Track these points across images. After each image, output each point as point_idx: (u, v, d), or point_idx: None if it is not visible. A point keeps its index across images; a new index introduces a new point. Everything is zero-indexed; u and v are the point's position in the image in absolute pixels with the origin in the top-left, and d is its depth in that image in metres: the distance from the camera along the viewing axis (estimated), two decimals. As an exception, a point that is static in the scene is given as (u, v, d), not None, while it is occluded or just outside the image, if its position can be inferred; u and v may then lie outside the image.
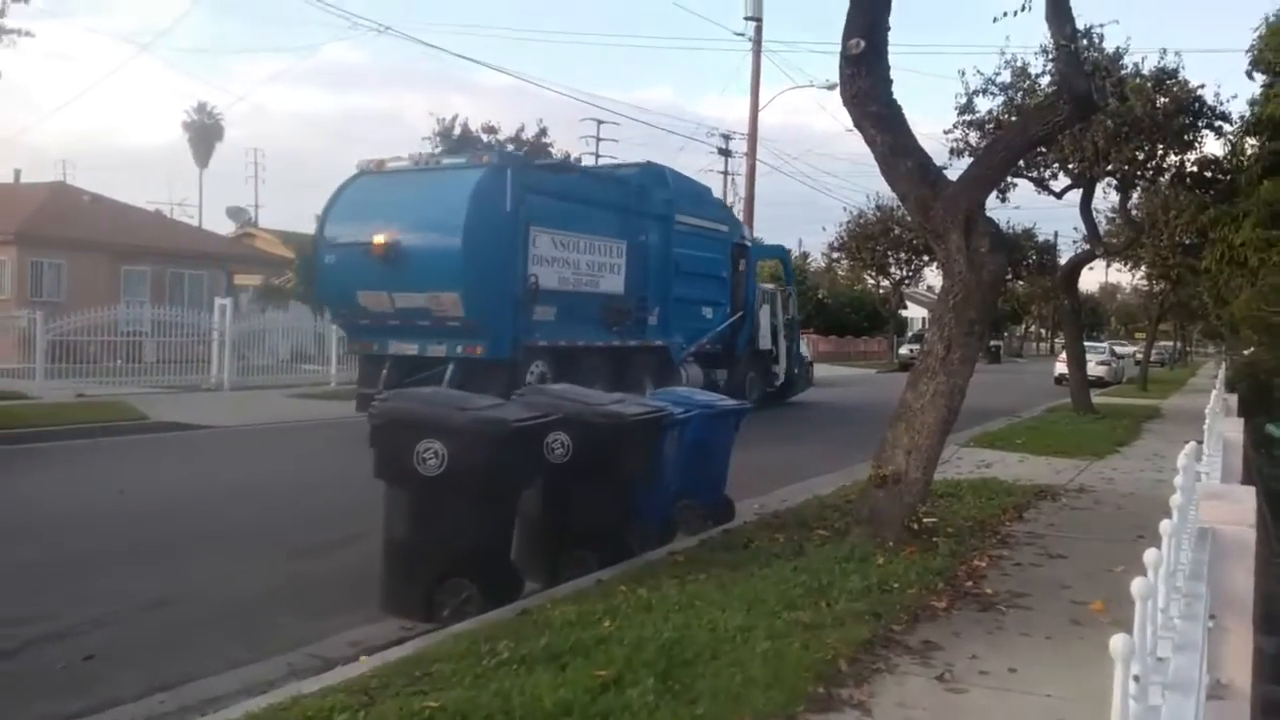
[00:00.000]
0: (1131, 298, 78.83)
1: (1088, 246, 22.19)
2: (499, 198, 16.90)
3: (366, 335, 17.66)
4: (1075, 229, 29.60)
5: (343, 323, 18.23)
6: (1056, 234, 60.06)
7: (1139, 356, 46.58)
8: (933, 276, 60.24)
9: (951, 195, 7.61)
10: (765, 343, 23.79)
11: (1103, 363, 36.38)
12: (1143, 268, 31.81)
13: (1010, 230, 39.09)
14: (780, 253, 26.99)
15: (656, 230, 20.08)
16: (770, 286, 24.58)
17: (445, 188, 16.86)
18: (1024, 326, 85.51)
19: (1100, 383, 33.16)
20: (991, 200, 10.43)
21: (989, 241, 7.61)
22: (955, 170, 14.25)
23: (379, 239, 16.79)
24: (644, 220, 19.79)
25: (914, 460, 7.52)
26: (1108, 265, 38.10)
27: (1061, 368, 32.50)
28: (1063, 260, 29.94)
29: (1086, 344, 28.72)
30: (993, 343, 59.36)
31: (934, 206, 7.59)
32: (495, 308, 16.83)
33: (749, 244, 23.49)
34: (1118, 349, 48.44)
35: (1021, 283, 52.17)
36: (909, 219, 13.20)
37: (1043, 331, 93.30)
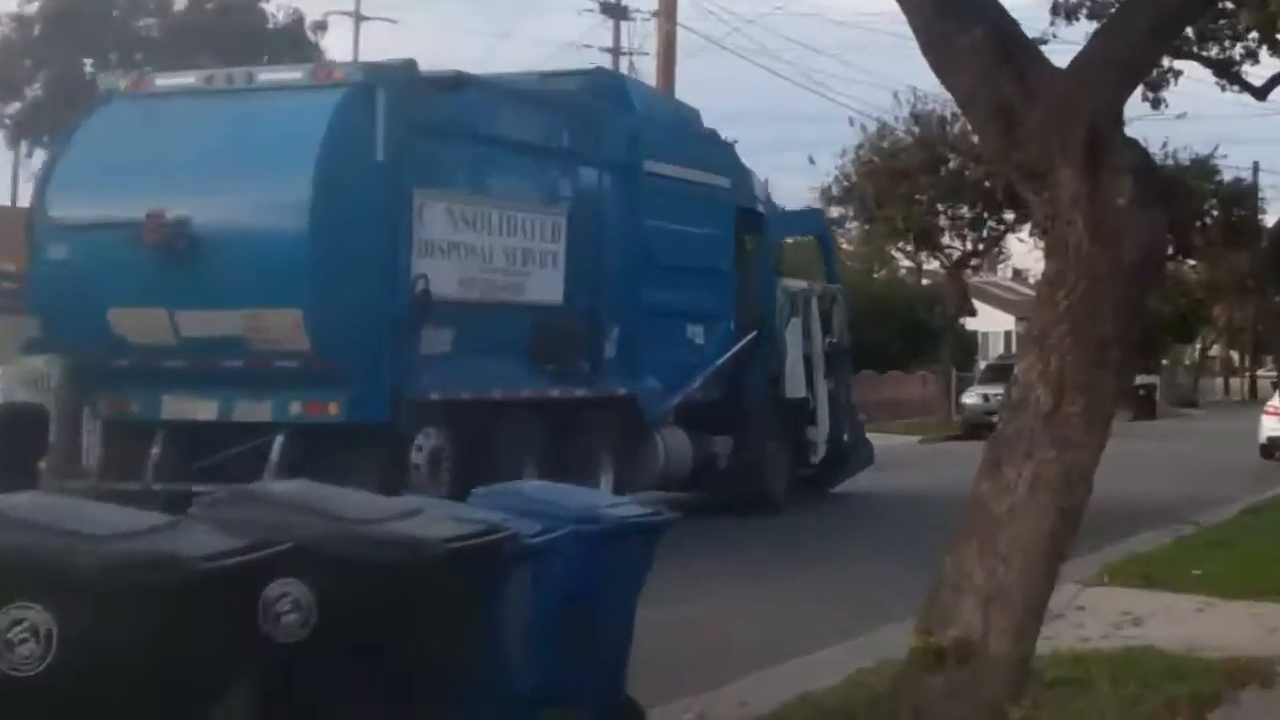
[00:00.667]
0: None
1: None
2: (366, 141, 12.63)
3: (119, 386, 13.22)
4: None
5: (74, 361, 13.39)
6: (1257, 166, 43.81)
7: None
8: (1024, 254, 44.23)
9: (1061, 96, 6.22)
10: (796, 386, 17.86)
11: None
12: None
13: (1171, 161, 31.55)
14: (814, 223, 21.53)
15: (615, 188, 15.34)
16: (801, 285, 18.72)
17: (274, 125, 12.77)
18: (1200, 347, 73.29)
19: None
20: (1134, 107, 7.51)
21: (1133, 185, 6.18)
22: (1064, 50, 9.64)
23: (153, 215, 12.49)
24: (594, 171, 15.21)
25: (998, 616, 6.22)
26: None
27: (1271, 426, 26.27)
28: (1270, 218, 26.11)
29: None
30: (1142, 381, 43.19)
31: (1026, 117, 6.22)
32: (362, 334, 12.62)
33: (764, 210, 18.13)
34: None
35: (1195, 263, 44.53)
36: (977, 143, 11.31)
37: (1236, 356, 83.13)
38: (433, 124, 13.09)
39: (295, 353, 12.42)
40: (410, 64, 13.45)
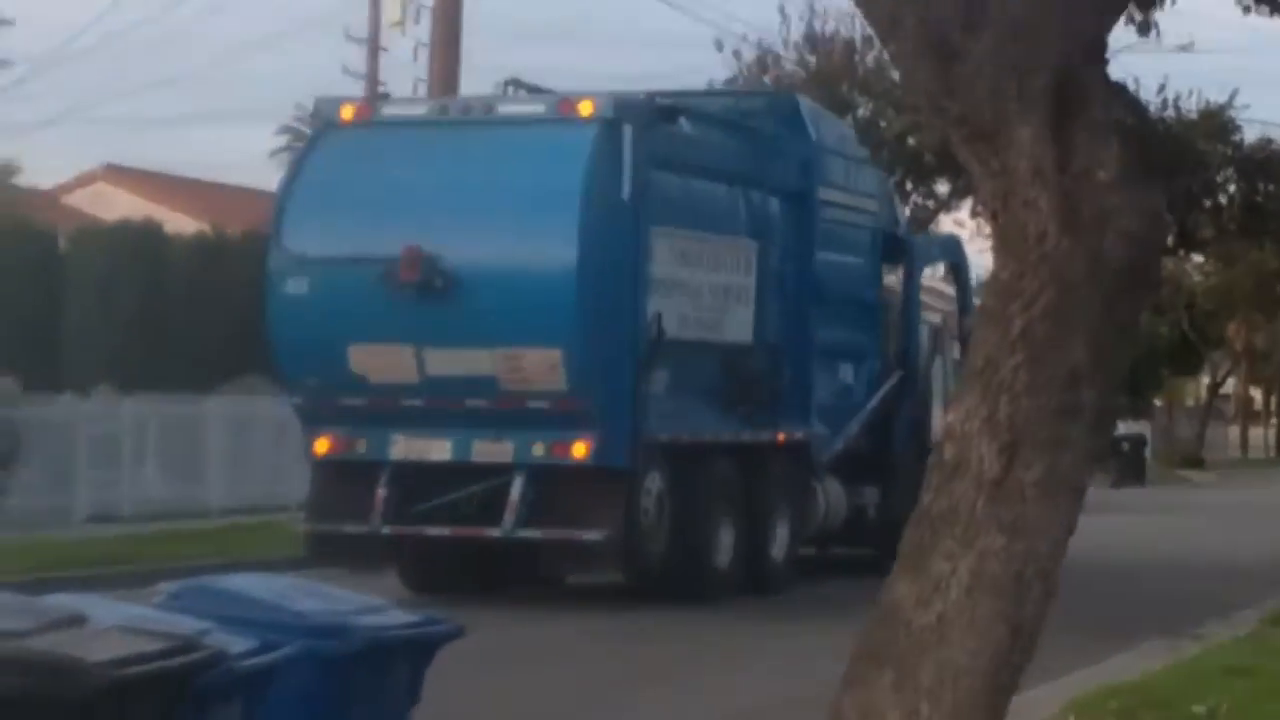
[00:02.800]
0: None
1: None
2: (616, 179, 17.50)
3: (346, 425, 18.16)
4: None
5: (307, 399, 18.54)
6: None
7: None
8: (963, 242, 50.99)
9: (1018, 20, 6.46)
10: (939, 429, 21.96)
11: None
12: None
13: (1173, 114, 33.53)
14: (953, 250, 26.72)
15: (792, 217, 20.63)
16: (936, 319, 24.76)
17: (527, 161, 17.64)
18: (1208, 381, 78.02)
19: None
20: (1118, 35, 9.06)
21: (1120, 150, 6.45)
22: None
23: (410, 251, 17.37)
24: (775, 200, 20.54)
25: None
26: None
27: None
28: None
29: None
30: (1127, 431, 48.72)
31: (969, 49, 6.45)
32: (613, 375, 17.51)
33: (904, 235, 23.92)
34: None
35: (1203, 260, 48.28)
36: (899, 83, 12.96)
37: (1259, 395, 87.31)
38: (660, 157, 18.16)
39: (550, 392, 17.16)
40: (651, 98, 18.79)
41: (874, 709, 6.32)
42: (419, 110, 19.56)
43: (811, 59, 36.84)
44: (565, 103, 18.34)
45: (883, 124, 36.02)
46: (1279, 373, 74.66)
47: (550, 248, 17.32)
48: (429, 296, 17.34)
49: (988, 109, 6.39)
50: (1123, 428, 47.39)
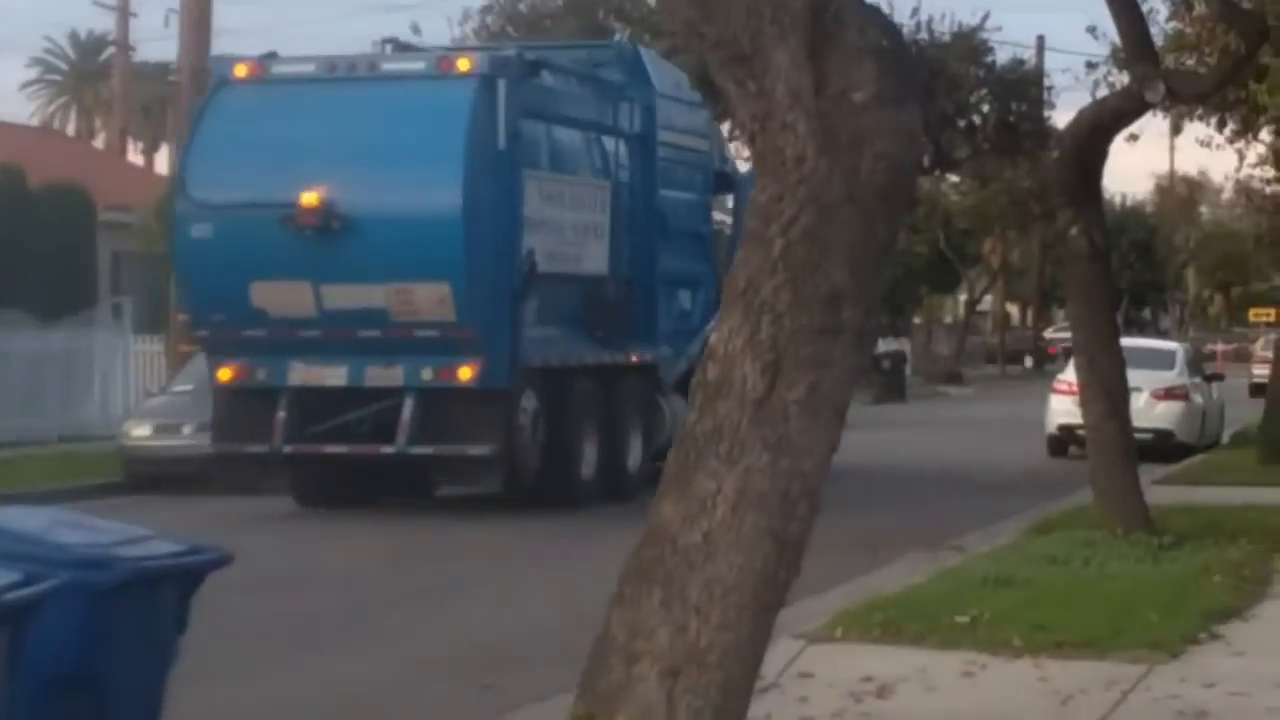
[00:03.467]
0: (1240, 214, 77.74)
1: (1122, 78, 20.73)
2: (492, 129, 19.65)
3: (248, 355, 20.17)
4: (1090, 36, 26.54)
5: (211, 333, 20.74)
6: (1042, 42, 52.21)
7: (1256, 373, 45.46)
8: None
9: None
10: None
11: (1173, 391, 31.89)
12: (1267, 133, 28.90)
13: (926, 36, 35.09)
14: None
15: (637, 159, 22.81)
16: None
17: (414, 114, 19.77)
18: (965, 298, 79.97)
19: (1160, 443, 30.09)
20: None
21: (876, 71, 6.59)
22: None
23: (309, 197, 19.33)
24: (623, 144, 22.67)
25: (689, 691, 6.55)
26: (1175, 129, 33.58)
27: (1064, 409, 28.85)
28: (1060, 117, 28.35)
29: (1132, 342, 25.52)
30: (886, 349, 50.00)
31: None
32: (493, 304, 19.58)
33: (733, 170, 25.59)
34: (1203, 351, 46.15)
35: (958, 180, 49.02)
36: (654, 6, 13.93)
37: (1015, 311, 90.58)
38: (528, 108, 20.22)
39: (439, 323, 19.28)
40: (520, 54, 21.16)
41: (643, 627, 6.37)
42: (308, 68, 21.10)
43: None
44: (445, 60, 20.58)
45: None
46: (1036, 288, 76.04)
47: (438, 193, 19.38)
48: (326, 237, 19.34)
49: (744, 33, 6.39)
50: (883, 346, 48.09)
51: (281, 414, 19.83)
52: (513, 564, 17.22)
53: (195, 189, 20.27)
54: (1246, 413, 35.32)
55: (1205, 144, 31.19)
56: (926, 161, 37.26)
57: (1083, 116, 19.25)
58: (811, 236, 6.47)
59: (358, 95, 20.29)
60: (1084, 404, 18.58)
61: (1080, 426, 20.79)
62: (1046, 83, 40.68)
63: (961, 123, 36.68)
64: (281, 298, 19.78)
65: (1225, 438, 34.05)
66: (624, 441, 22.03)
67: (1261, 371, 47.41)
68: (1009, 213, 55.99)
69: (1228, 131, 29.42)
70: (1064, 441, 30.17)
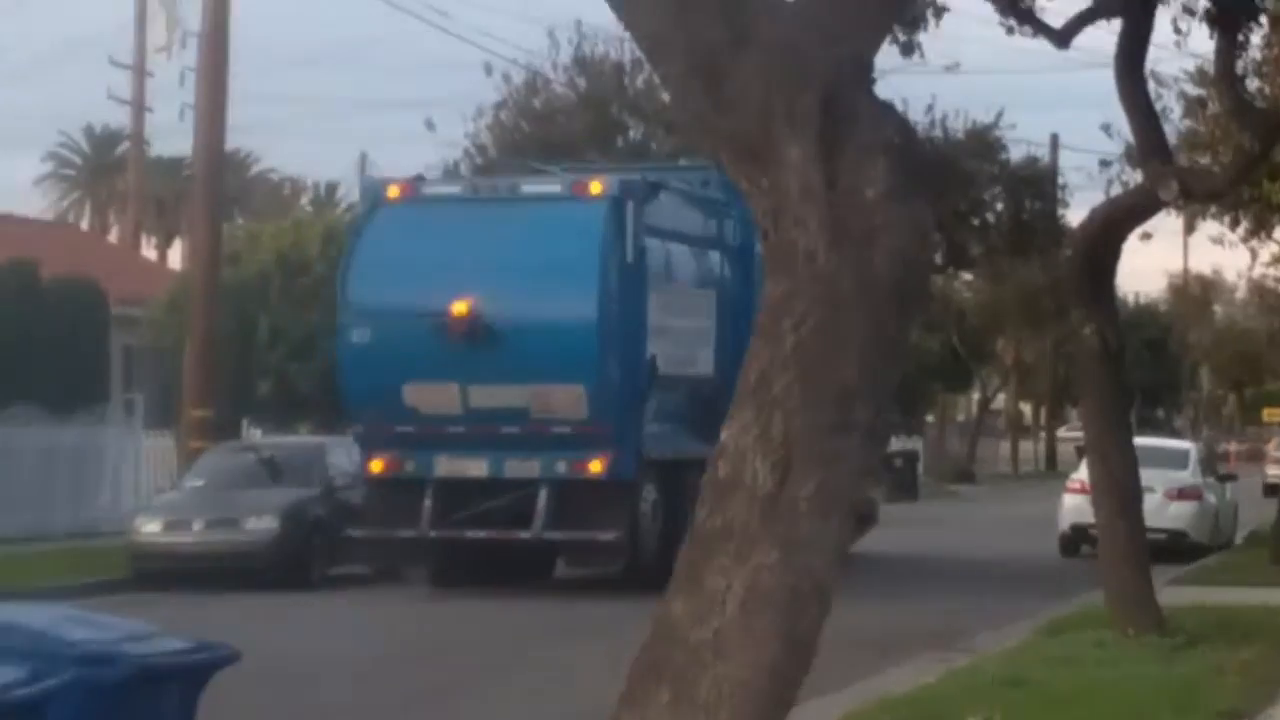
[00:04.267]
0: (1253, 313, 77.10)
1: (1136, 176, 20.97)
2: (621, 246, 22.05)
3: (396, 448, 22.71)
4: (1104, 134, 27.61)
5: (366, 427, 23.34)
6: (1056, 140, 51.12)
7: (1270, 474, 46.14)
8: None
9: (785, 39, 6.48)
10: None
11: (1187, 491, 31.72)
12: (1278, 229, 30.00)
13: (940, 133, 35.12)
14: None
15: (736, 268, 24.94)
16: None
17: (552, 232, 22.25)
18: (978, 397, 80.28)
19: (1174, 543, 30.18)
20: (884, 57, 7.89)
21: (888, 168, 6.49)
22: None
23: (459, 307, 21.85)
24: (726, 255, 25.11)
25: None
26: (1189, 227, 34.18)
27: (1076, 508, 28.88)
28: (1074, 215, 28.68)
29: (1145, 441, 26.07)
30: (899, 447, 49.56)
31: (737, 69, 6.45)
32: (622, 404, 21.99)
33: None
34: (1216, 450, 46.35)
35: (971, 277, 49.05)
36: (668, 103, 16.09)
37: (1028, 410, 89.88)
38: (651, 226, 22.61)
39: (573, 420, 21.72)
40: (644, 178, 23.51)
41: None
42: (455, 189, 24.82)
43: (581, 81, 36.90)
44: (578, 184, 23.14)
45: (653, 145, 36.30)
46: (1049, 387, 75.83)
47: (575, 304, 21.85)
48: (473, 343, 21.82)
49: (756, 128, 6.35)
50: (895, 444, 47.93)
51: (428, 502, 22.23)
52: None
53: (355, 297, 22.93)
54: (1260, 513, 35.26)
55: (1218, 241, 31.30)
56: (940, 259, 37.33)
57: (1096, 214, 19.30)
58: (823, 333, 6.42)
59: (501, 214, 22.88)
60: (1096, 503, 18.53)
61: (1093, 525, 20.74)
62: (1060, 180, 40.84)
63: (975, 220, 36.69)
64: (431, 397, 22.23)
65: (1239, 538, 33.94)
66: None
67: (1275, 471, 47.67)
68: (1022, 311, 55.98)
69: (1241, 230, 29.51)
70: (1076, 541, 30.10)
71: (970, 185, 35.42)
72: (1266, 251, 32.61)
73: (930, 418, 74.79)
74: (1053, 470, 69.07)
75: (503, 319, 21.92)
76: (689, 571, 6.46)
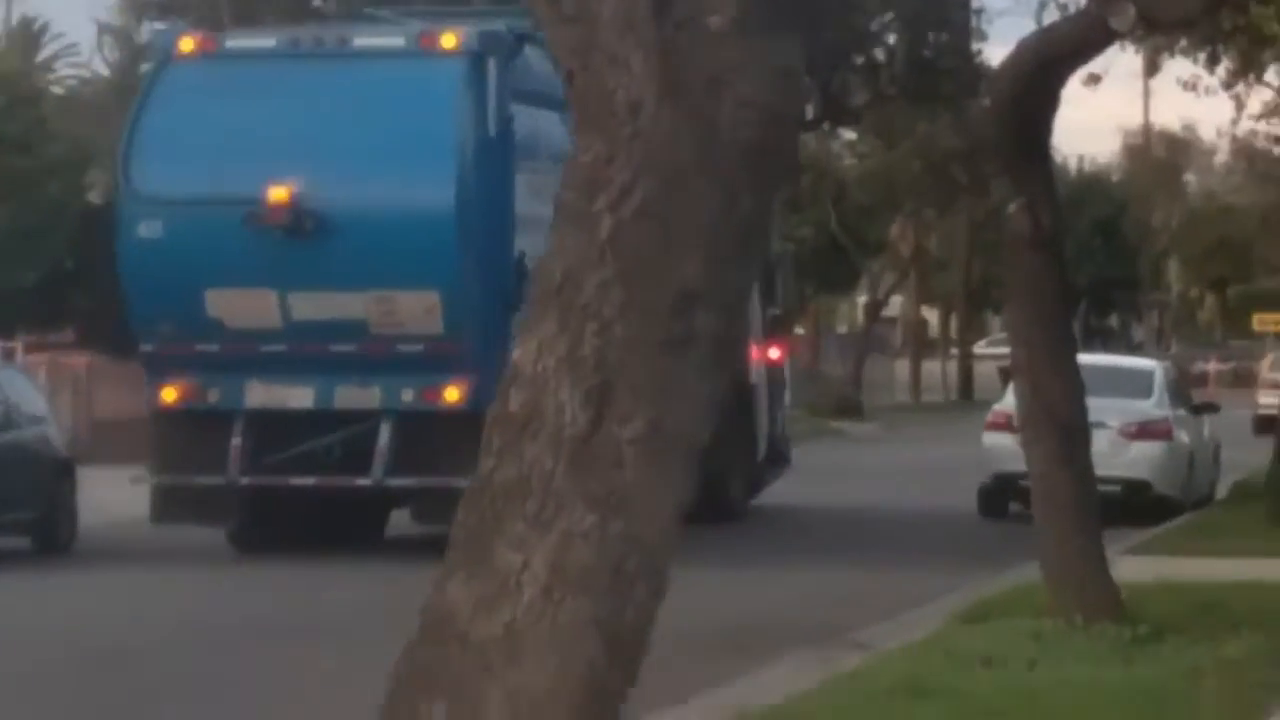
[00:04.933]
0: (1239, 183, 77.77)
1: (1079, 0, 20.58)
2: (483, 113, 23.19)
3: (195, 373, 24.08)
4: None
5: (155, 347, 24.48)
6: None
7: (1264, 403, 47.57)
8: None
9: None
10: (755, 372, 31.49)
11: (1150, 427, 32.97)
12: (1276, 72, 30.32)
13: None
14: None
15: None
16: None
17: (393, 98, 23.50)
18: (866, 300, 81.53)
19: (1133, 497, 31.21)
20: None
21: (741, -12, 6.66)
22: None
23: (277, 193, 22.96)
24: None
25: None
26: (1151, 68, 34.72)
27: (1001, 452, 29.60)
28: (995, 53, 30.83)
29: (1094, 360, 27.29)
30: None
31: None
32: (486, 315, 22.82)
33: None
34: (1190, 372, 47.37)
35: (855, 136, 51.62)
36: None
37: (935, 318, 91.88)
38: (518, 90, 23.58)
39: (422, 336, 22.78)
40: (509, 28, 24.42)
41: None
42: (268, 43, 25.37)
43: None
44: (426, 36, 24.13)
45: None
46: (963, 286, 76.53)
47: (426, 189, 23.07)
48: (296, 239, 23.03)
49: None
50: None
51: (237, 440, 23.72)
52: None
53: (141, 181, 24.11)
54: (1249, 455, 36.06)
55: (1191, 87, 31.81)
56: (811, 112, 37.73)
57: (1024, 50, 19.64)
58: (651, 214, 6.48)
59: (328, 75, 24.22)
60: (1028, 445, 18.90)
61: (1024, 475, 21.18)
62: (975, 3, 41.35)
63: (860, 59, 37.23)
64: (241, 306, 23.61)
65: (1221, 490, 34.67)
66: None
67: (1270, 400, 48.16)
68: (924, 182, 56.61)
69: (1221, 71, 29.95)
70: (1002, 496, 30.74)
71: (853, 11, 35.99)
72: (1256, 99, 33.08)
73: (799, 329, 75.59)
74: (969, 400, 70.36)
75: (333, 208, 23.14)
76: (471, 542, 6.53)
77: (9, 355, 42.53)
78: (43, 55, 78.87)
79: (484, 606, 6.55)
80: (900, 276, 76.94)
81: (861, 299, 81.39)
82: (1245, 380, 72.26)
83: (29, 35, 78.34)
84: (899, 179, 56.93)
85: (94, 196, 53.59)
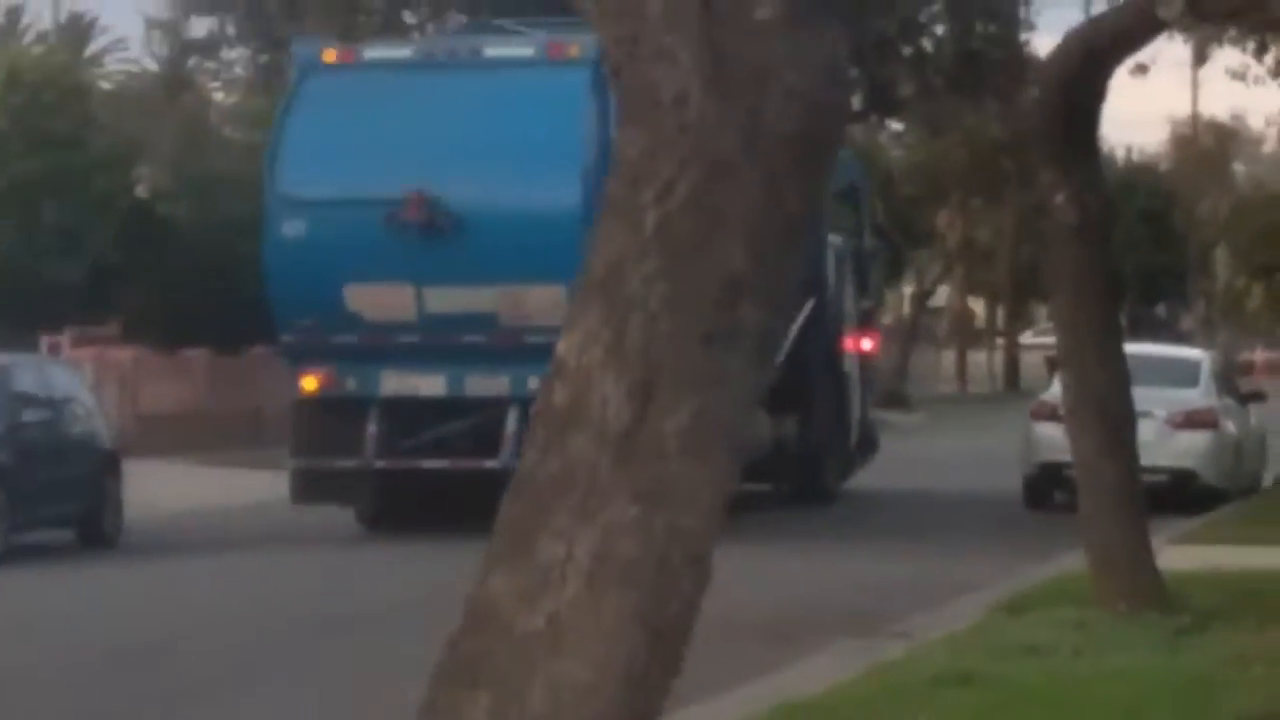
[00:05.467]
0: None
1: None
2: (605, 120, 23.52)
3: (334, 362, 26.13)
4: None
5: (297, 339, 26.54)
6: None
7: None
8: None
9: None
10: (849, 359, 34.03)
11: (1197, 416, 32.87)
12: None
13: None
14: (853, 170, 35.74)
15: None
16: (837, 240, 34.01)
17: (524, 105, 25.16)
18: (914, 291, 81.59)
19: (1179, 486, 31.28)
20: None
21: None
22: None
23: (413, 194, 24.90)
24: None
25: None
26: (1199, 58, 35.21)
27: (1047, 441, 29.63)
28: (1042, 43, 30.21)
29: (1141, 349, 27.45)
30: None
31: None
32: None
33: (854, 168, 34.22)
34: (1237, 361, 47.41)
35: (903, 127, 51.49)
36: None
37: (981, 309, 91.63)
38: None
39: (549, 328, 21.76)
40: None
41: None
42: (404, 53, 27.60)
43: None
44: (554, 45, 25.60)
45: None
46: (1009, 276, 76.31)
47: (555, 190, 24.31)
48: (431, 237, 24.87)
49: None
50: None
51: (373, 426, 25.70)
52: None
53: (286, 183, 25.95)
54: (1297, 446, 35.85)
55: (1240, 77, 31.75)
56: (858, 103, 37.78)
57: (1072, 41, 19.59)
58: (697, 206, 6.45)
59: (461, 84, 25.93)
60: (1074, 435, 18.86)
61: (1069, 465, 21.15)
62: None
63: (907, 50, 37.23)
64: (379, 300, 25.57)
65: (1268, 480, 34.58)
66: None
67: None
68: (972, 173, 56.46)
69: (1270, 60, 29.83)
70: (1047, 485, 30.68)
71: (900, 2, 36.04)
72: (1306, 89, 33.07)
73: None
74: (1014, 390, 70.23)
75: (466, 207, 24.92)
76: (514, 535, 6.50)
77: (54, 349, 42.76)
78: (91, 50, 79.20)
79: (527, 598, 6.52)
80: (946, 267, 76.75)
81: (908, 289, 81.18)
82: (1293, 369, 72.31)
83: (78, 30, 78.71)
84: (946, 170, 56.89)
85: (141, 190, 53.78)
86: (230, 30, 49.99)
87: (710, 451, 6.59)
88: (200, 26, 50.75)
